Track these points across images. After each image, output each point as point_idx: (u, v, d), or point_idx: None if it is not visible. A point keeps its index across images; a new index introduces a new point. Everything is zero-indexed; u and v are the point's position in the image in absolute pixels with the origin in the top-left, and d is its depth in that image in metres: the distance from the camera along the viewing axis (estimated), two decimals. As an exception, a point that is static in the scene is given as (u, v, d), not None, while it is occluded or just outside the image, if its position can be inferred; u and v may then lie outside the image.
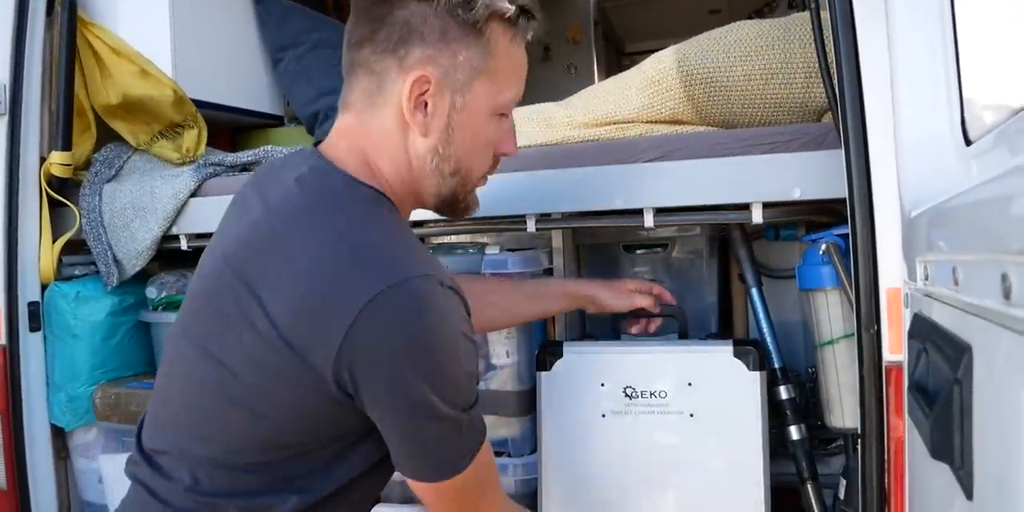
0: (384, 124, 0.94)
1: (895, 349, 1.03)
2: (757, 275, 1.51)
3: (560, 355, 1.40)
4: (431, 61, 0.90)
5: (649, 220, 1.36)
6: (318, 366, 0.83)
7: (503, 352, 1.56)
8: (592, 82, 2.86)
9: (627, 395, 1.37)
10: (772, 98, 1.37)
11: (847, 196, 1.07)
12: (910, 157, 0.96)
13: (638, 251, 1.64)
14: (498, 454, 1.59)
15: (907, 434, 0.95)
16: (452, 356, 0.86)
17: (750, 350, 1.33)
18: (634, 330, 1.46)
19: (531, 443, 1.60)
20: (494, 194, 1.47)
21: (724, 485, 1.34)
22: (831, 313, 1.32)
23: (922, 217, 0.81)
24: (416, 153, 0.95)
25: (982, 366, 0.51)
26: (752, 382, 1.32)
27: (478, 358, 0.98)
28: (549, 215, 1.49)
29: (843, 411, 1.33)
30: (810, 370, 1.52)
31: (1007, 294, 0.40)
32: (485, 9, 0.90)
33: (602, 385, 1.38)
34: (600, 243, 1.66)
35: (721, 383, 1.33)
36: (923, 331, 0.74)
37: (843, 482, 1.36)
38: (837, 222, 1.33)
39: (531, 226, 1.46)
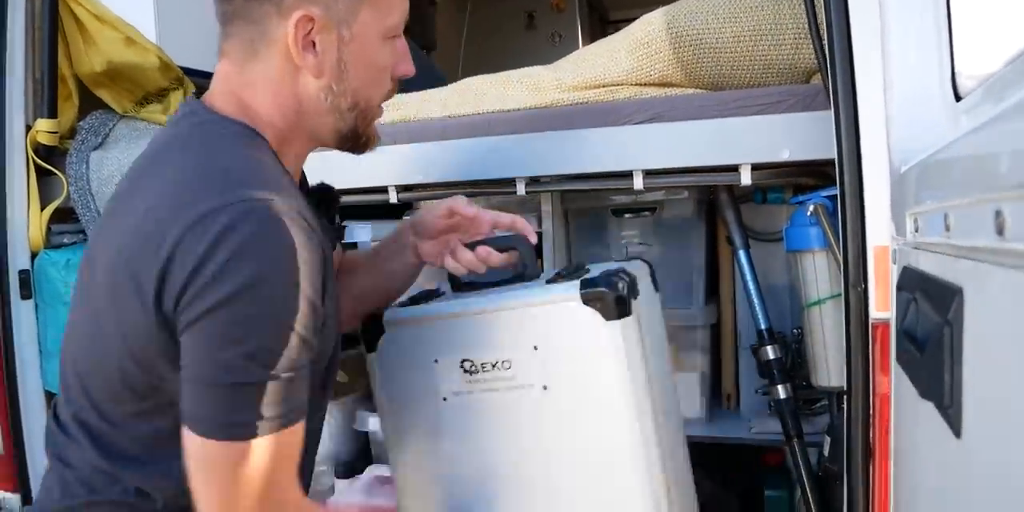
0: (270, 70, 0.90)
1: (881, 307, 1.05)
2: (744, 237, 1.52)
3: (382, 330, 1.12)
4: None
5: (639, 182, 1.37)
6: (147, 295, 0.79)
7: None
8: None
9: (466, 370, 1.07)
10: (761, 59, 1.37)
11: (836, 155, 1.07)
12: (900, 114, 0.96)
13: (626, 215, 1.65)
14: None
15: (893, 383, 0.97)
16: (277, 298, 0.78)
17: (602, 293, 1.00)
18: (457, 259, 1.09)
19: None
20: (483, 157, 1.47)
21: (597, 471, 1.05)
22: (818, 274, 1.34)
23: (911, 171, 0.82)
24: (307, 94, 0.91)
25: (973, 307, 0.53)
26: (611, 335, 1.00)
27: (318, 323, 0.83)
28: (538, 179, 1.49)
29: (829, 370, 1.35)
30: (796, 331, 1.54)
31: (1000, 230, 0.41)
32: None
33: (436, 362, 1.09)
34: (589, 207, 1.67)
35: (573, 341, 1.03)
36: (912, 282, 0.75)
37: (827, 440, 1.38)
38: (824, 184, 1.35)
39: (521, 189, 1.46)
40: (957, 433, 0.55)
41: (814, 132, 1.23)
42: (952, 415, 0.55)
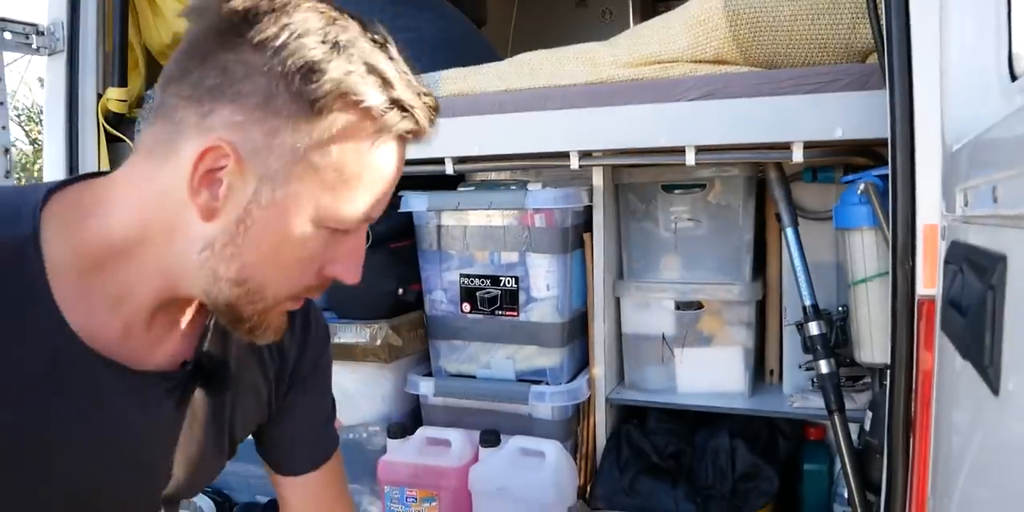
0: (158, 184, 0.69)
1: (928, 284, 1.07)
2: (793, 215, 1.54)
3: None
4: (239, 129, 0.65)
5: (691, 158, 1.40)
6: None
7: (543, 285, 1.62)
8: (627, 28, 2.87)
9: None
10: (817, 38, 1.39)
11: (889, 133, 1.09)
12: (955, 93, 0.98)
13: (676, 191, 1.68)
14: (536, 382, 1.67)
15: (937, 356, 0.99)
16: None
17: None
18: None
19: (568, 372, 1.68)
20: (538, 131, 1.51)
21: None
22: (866, 252, 1.36)
23: (964, 149, 0.84)
24: (185, 233, 0.69)
25: (1015, 271, 0.55)
26: None
27: None
28: (591, 153, 1.53)
29: (873, 347, 1.38)
30: (841, 309, 1.56)
31: (1045, 196, 0.44)
32: (334, 86, 0.65)
33: None
34: (639, 182, 1.70)
35: None
36: (959, 254, 0.78)
37: (869, 414, 1.41)
38: (875, 164, 1.36)
39: (574, 163, 1.50)
40: (995, 391, 0.58)
41: (868, 111, 1.25)
42: (991, 374, 0.59)
